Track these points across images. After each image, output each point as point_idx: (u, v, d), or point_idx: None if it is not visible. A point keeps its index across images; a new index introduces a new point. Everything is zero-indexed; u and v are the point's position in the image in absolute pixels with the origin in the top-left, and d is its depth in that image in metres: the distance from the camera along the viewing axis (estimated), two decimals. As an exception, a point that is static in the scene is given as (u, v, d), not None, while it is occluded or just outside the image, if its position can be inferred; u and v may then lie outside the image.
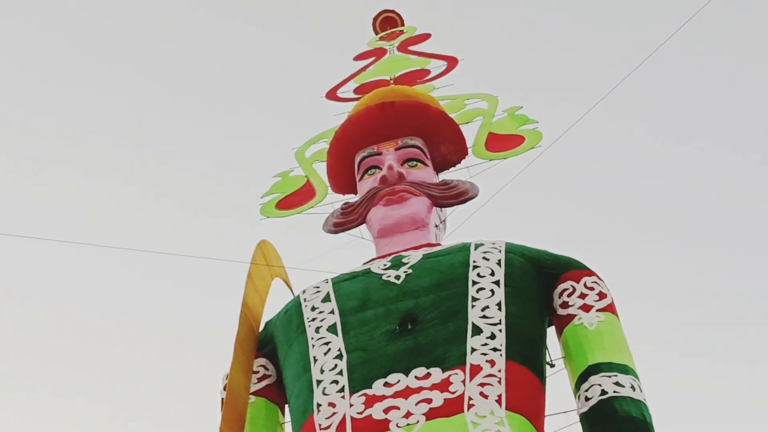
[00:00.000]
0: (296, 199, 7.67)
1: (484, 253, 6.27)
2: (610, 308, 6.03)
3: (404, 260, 6.39)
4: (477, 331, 5.73)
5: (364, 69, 9.06)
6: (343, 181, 7.54)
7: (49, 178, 16.38)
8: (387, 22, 9.63)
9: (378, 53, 9.42)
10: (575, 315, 5.99)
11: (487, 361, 5.56)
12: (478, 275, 6.09)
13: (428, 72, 8.94)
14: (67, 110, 16.98)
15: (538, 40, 16.18)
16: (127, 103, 17.19)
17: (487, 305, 5.89)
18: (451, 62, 8.90)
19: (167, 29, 18.26)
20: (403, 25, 9.64)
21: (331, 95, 8.80)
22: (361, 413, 5.45)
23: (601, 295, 6.07)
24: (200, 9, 18.28)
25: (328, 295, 6.33)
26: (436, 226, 7.03)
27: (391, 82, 8.70)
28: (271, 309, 6.71)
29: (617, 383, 5.55)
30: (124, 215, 15.74)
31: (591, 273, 6.21)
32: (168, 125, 16.95)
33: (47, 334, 14.96)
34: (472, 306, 5.89)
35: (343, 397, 5.59)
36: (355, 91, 8.74)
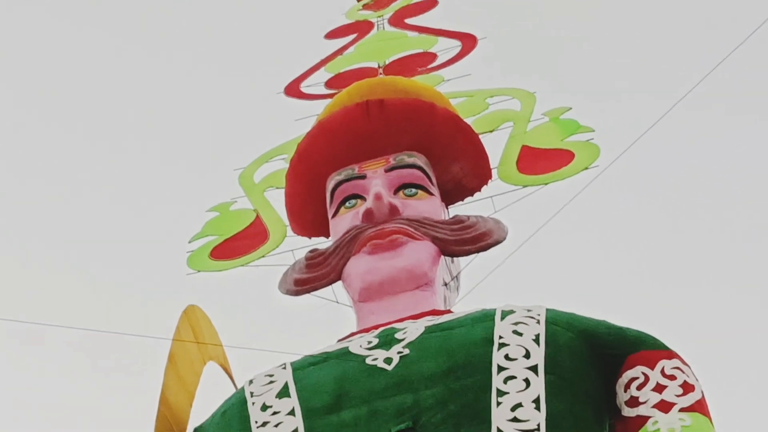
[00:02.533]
0: (240, 243, 7.68)
1: (516, 324, 6.17)
2: (699, 407, 5.89)
3: (398, 335, 6.29)
4: None
5: (340, 52, 9.10)
6: (308, 217, 7.54)
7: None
8: (375, -17, 9.75)
9: (361, 28, 9.48)
10: (649, 417, 5.85)
11: None
12: (507, 358, 5.96)
13: (434, 56, 8.98)
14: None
15: (592, 10, 16.06)
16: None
17: (519, 402, 5.73)
18: (468, 42, 8.94)
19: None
20: (397, -14, 9.76)
21: (292, 90, 8.84)
22: None
23: (687, 388, 5.93)
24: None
25: (285, 387, 6.22)
26: (445, 284, 7.00)
27: (380, 71, 8.72)
28: (202, 407, 6.67)
29: None
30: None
31: (671, 355, 6.10)
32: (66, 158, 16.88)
33: None
34: (498, 403, 5.73)
35: None
36: (328, 84, 8.78)
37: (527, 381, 5.81)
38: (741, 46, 6.96)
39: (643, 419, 5.85)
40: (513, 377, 5.84)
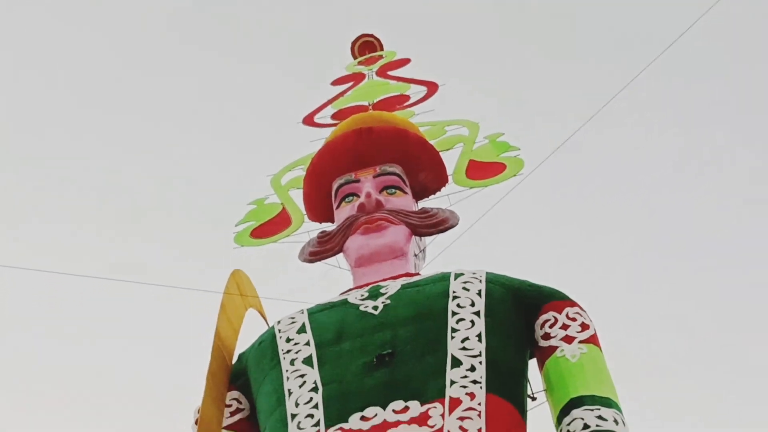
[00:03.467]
0: (271, 227, 7.67)
1: (464, 283, 6.28)
2: (593, 340, 6.05)
3: (382, 290, 6.39)
4: (456, 363, 5.71)
5: (342, 94, 9.06)
6: (319, 209, 7.56)
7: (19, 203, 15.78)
8: (366, 46, 9.65)
9: (356, 78, 9.42)
10: (557, 347, 5.99)
11: (466, 394, 5.53)
12: (458, 306, 6.08)
13: (408, 97, 8.96)
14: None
15: (520, 64, 16.06)
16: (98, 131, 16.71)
17: (467, 337, 5.87)
18: (431, 87, 8.93)
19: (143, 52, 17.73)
20: (382, 49, 9.64)
21: (308, 121, 8.78)
22: None
23: (584, 327, 6.08)
24: (168, 33, 17.76)
25: (303, 326, 6.32)
26: (415, 255, 7.05)
27: (370, 107, 8.71)
28: (245, 341, 6.68)
29: (600, 417, 5.54)
30: (87, 240, 15.19)
31: (573, 304, 6.23)
32: (140, 147, 16.50)
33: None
34: (452, 338, 5.87)
35: (318, 430, 5.57)
36: (333, 116, 8.74)
37: (472, 322, 5.96)
38: (648, 67, 7.14)
39: (553, 348, 5.98)
40: (462, 319, 5.99)
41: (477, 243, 7.14)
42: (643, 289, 13.90)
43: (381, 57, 9.50)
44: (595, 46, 16.25)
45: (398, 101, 8.80)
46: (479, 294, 6.18)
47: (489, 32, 16.39)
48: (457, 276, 6.37)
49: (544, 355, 6.04)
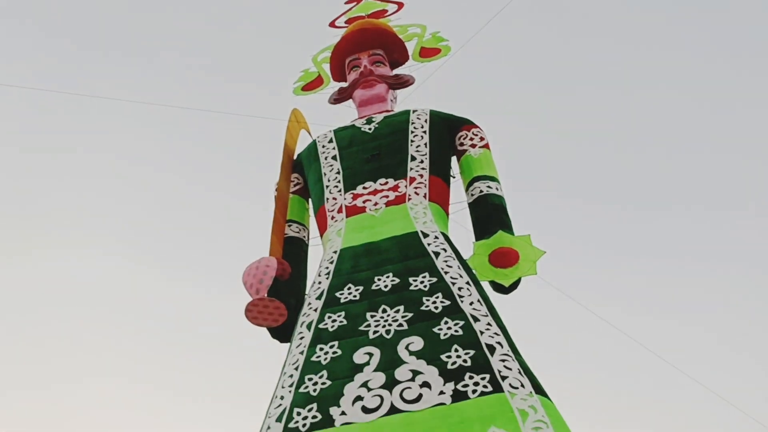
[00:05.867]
0: (313, 84, 7.15)
1: (418, 115, 6.03)
2: (487, 146, 5.89)
3: (373, 119, 6.14)
4: (413, 158, 5.64)
5: (350, 9, 8.20)
6: (339, 74, 7.02)
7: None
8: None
9: (359, 1, 8.41)
10: (467, 150, 5.83)
11: (419, 174, 5.50)
12: (414, 127, 5.89)
13: (387, 11, 8.13)
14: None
15: None
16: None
17: (419, 144, 5.75)
18: (400, 6, 8.09)
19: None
20: (373, -15, 8.81)
21: (333, 24, 8.00)
22: (350, 203, 5.41)
23: (482, 139, 5.91)
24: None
25: (331, 138, 6.09)
26: (391, 100, 6.67)
27: (366, 17, 7.92)
28: (300, 147, 6.42)
29: (488, 186, 5.54)
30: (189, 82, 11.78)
31: (477, 126, 6.02)
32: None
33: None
34: (411, 144, 5.75)
35: (340, 193, 5.51)
36: (346, 22, 7.95)
37: (422, 136, 5.79)
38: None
39: (465, 150, 5.85)
40: (417, 135, 5.82)
41: (425, 93, 6.68)
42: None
43: (372, -10, 8.66)
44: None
45: (381, 14, 7.96)
46: (426, 121, 5.95)
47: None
48: (413, 111, 6.09)
49: (460, 154, 5.89)
